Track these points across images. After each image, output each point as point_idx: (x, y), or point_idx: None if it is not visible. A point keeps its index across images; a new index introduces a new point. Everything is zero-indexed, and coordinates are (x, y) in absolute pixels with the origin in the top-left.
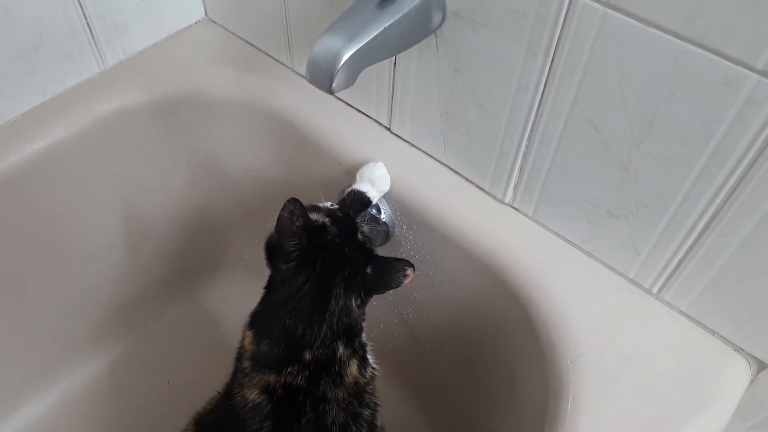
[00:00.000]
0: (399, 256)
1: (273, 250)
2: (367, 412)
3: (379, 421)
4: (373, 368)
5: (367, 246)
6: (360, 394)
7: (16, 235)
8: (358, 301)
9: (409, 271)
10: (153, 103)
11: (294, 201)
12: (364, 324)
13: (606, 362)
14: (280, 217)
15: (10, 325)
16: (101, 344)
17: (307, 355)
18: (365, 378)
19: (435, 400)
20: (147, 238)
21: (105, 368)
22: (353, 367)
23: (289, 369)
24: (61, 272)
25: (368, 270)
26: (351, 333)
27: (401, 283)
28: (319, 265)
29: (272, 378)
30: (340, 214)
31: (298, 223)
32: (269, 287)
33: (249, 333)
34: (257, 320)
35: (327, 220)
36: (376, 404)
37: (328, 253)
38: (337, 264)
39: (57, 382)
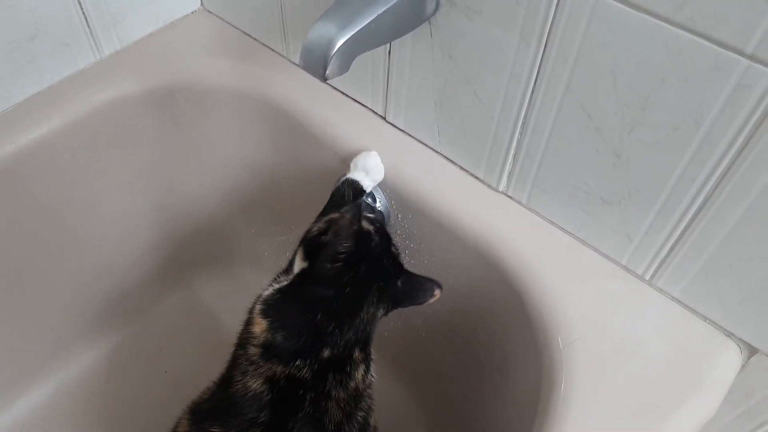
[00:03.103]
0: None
1: (318, 246)
2: (361, 414)
3: (372, 421)
4: (372, 377)
5: (399, 260)
6: (358, 397)
7: (11, 225)
8: (383, 312)
9: (437, 292)
10: (149, 93)
11: (359, 205)
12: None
13: (598, 348)
14: (341, 218)
15: (7, 316)
16: (98, 335)
17: (326, 353)
18: (364, 384)
19: (430, 387)
20: (144, 228)
21: (102, 358)
22: (360, 372)
23: (297, 362)
24: (57, 262)
25: (399, 283)
26: (366, 340)
27: (427, 301)
28: (362, 271)
29: (279, 369)
30: (378, 225)
31: (355, 227)
32: (301, 278)
33: (263, 321)
34: (275, 309)
35: (372, 228)
36: (370, 407)
37: (371, 260)
38: (377, 273)
39: (54, 373)
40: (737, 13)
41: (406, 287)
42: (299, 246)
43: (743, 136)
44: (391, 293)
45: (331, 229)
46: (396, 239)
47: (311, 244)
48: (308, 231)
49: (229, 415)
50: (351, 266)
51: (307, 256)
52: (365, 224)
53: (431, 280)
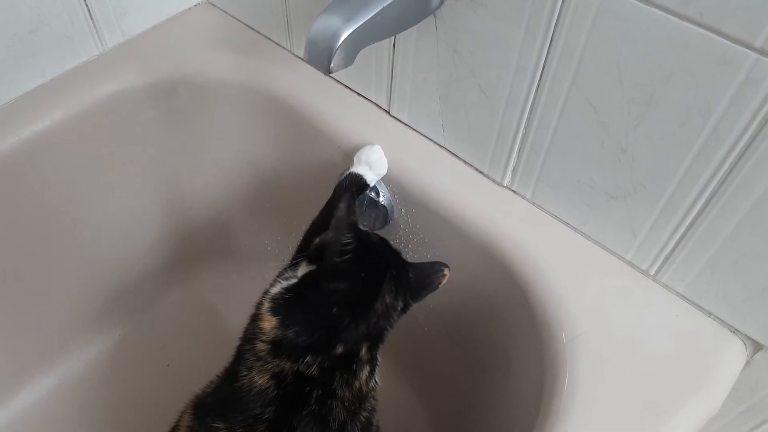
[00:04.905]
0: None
1: (321, 250)
2: (364, 414)
3: (375, 421)
4: (376, 382)
5: (402, 257)
6: (362, 398)
7: (13, 218)
8: (401, 305)
9: (446, 272)
10: (152, 86)
11: (351, 196)
12: (389, 335)
13: (602, 344)
14: (338, 209)
15: (10, 310)
16: (101, 329)
17: (339, 349)
18: (367, 388)
19: (433, 383)
20: (146, 222)
21: (104, 353)
22: (364, 374)
23: (308, 358)
24: (60, 256)
25: (410, 275)
26: (377, 339)
27: (440, 283)
28: (370, 261)
29: (287, 365)
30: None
31: (353, 217)
32: (309, 278)
33: (273, 318)
34: (285, 307)
35: (368, 230)
36: (374, 408)
37: (376, 252)
38: (385, 262)
39: (57, 367)
40: (745, 6)
41: (417, 277)
42: (297, 253)
43: (751, 131)
44: (405, 283)
45: (331, 225)
46: (399, 233)
47: (314, 252)
48: (309, 229)
49: (233, 411)
50: (359, 256)
51: (313, 261)
52: (361, 225)
53: (437, 263)
